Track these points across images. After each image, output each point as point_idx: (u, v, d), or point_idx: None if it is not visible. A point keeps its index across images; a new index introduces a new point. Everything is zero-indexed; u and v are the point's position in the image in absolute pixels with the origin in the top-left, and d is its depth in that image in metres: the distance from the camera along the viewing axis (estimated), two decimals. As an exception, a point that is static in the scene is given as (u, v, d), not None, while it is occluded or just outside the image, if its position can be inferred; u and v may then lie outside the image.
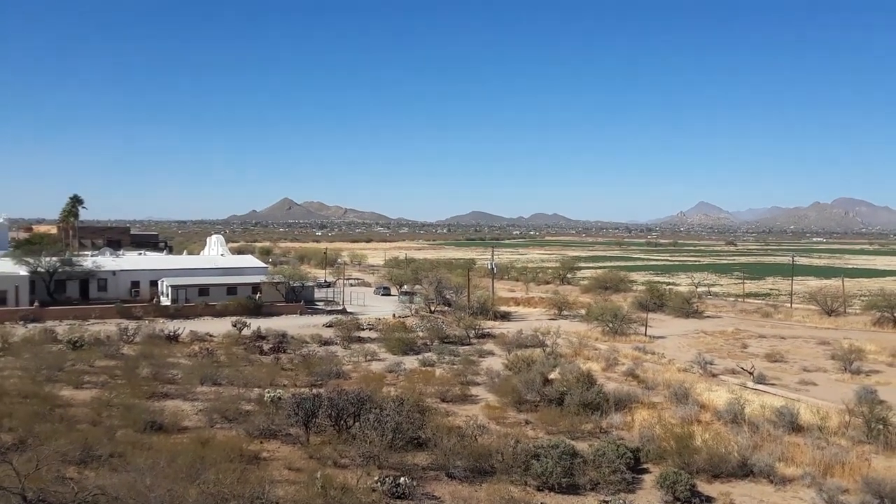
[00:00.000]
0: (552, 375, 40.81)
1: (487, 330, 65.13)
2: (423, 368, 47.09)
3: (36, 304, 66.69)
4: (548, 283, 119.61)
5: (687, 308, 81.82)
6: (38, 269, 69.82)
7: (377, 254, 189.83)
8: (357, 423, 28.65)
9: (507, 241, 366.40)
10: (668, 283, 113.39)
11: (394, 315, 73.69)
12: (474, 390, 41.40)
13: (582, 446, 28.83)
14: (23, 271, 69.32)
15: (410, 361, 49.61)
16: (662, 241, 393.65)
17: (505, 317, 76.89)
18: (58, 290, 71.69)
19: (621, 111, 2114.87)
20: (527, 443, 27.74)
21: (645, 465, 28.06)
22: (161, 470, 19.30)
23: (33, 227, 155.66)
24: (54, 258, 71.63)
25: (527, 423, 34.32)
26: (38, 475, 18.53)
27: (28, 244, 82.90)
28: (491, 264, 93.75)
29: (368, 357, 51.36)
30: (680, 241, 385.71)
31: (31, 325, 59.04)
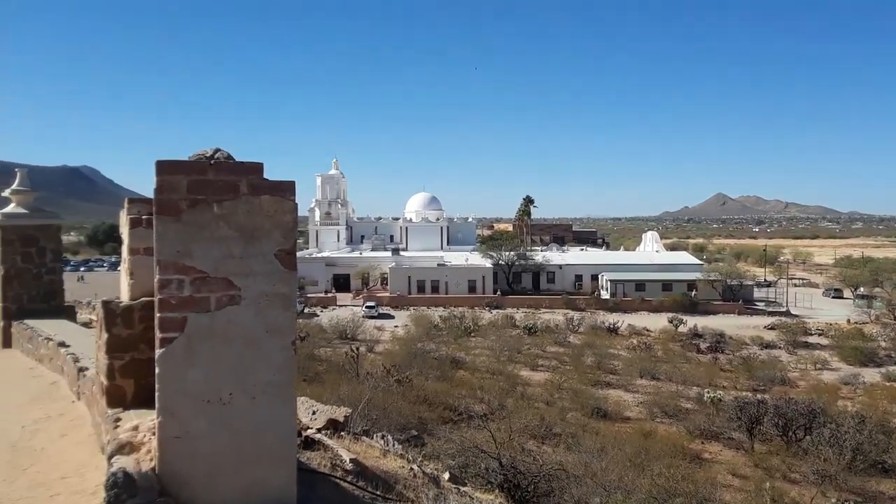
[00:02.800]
0: None
1: (977, 345, 53.96)
2: (888, 384, 41.37)
3: (498, 292, 76.68)
4: None
5: None
6: (500, 262, 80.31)
7: (825, 251, 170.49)
8: (808, 437, 26.78)
9: None
10: None
11: (848, 320, 65.79)
12: (960, 416, 34.94)
13: None
14: (488, 263, 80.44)
15: (870, 374, 44.04)
16: None
17: None
18: (514, 281, 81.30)
19: None
20: None
21: None
22: (611, 456, 20.86)
23: (494, 225, 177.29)
24: (512, 253, 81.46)
25: None
26: (510, 444, 21.59)
27: (491, 240, 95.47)
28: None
29: (818, 365, 47.12)
30: None
31: (494, 311, 68.17)
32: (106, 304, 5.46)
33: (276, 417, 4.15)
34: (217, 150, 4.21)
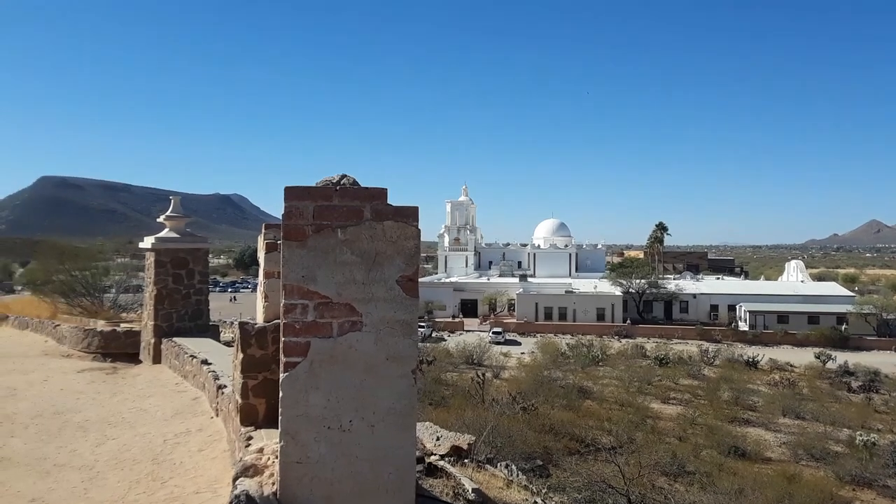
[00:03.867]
0: None
1: None
2: None
3: (627, 321, 74.39)
4: None
5: None
6: (630, 289, 78.04)
7: None
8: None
9: None
10: None
11: None
12: None
13: None
14: (617, 291, 78.34)
15: None
16: None
17: None
18: (645, 310, 78.65)
19: None
20: None
21: None
22: (750, 499, 19.51)
23: (624, 251, 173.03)
24: (643, 280, 78.93)
25: None
26: (639, 480, 20.69)
27: (621, 267, 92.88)
28: None
29: None
30: None
31: (623, 340, 66.09)
32: (242, 325, 5.69)
33: (395, 446, 4.10)
34: (343, 177, 4.27)
